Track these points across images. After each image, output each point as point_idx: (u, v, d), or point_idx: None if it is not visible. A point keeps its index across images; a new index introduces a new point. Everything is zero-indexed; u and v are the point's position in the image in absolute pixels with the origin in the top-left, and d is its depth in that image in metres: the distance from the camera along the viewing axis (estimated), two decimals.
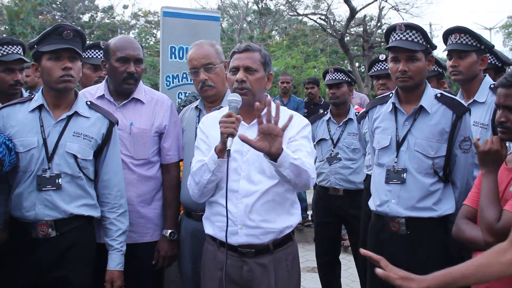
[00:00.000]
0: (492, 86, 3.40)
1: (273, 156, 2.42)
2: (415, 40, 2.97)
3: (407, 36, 2.99)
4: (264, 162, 2.58)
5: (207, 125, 2.82)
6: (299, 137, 2.70)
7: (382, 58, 4.37)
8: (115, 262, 2.91)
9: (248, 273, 2.65)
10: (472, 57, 3.38)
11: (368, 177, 4.29)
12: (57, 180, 2.75)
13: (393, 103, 3.10)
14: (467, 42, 3.39)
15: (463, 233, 2.52)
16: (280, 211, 2.68)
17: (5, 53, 3.48)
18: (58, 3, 27.28)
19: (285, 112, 2.80)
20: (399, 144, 3.03)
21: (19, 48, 3.53)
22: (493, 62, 3.86)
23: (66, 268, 2.75)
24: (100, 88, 3.24)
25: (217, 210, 2.68)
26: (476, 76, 3.43)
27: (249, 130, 2.66)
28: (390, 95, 3.17)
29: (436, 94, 3.04)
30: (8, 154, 2.65)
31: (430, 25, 26.95)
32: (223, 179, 2.60)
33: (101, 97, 3.18)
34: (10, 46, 3.51)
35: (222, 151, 2.53)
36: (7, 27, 16.32)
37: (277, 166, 2.45)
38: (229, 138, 2.45)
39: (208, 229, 2.75)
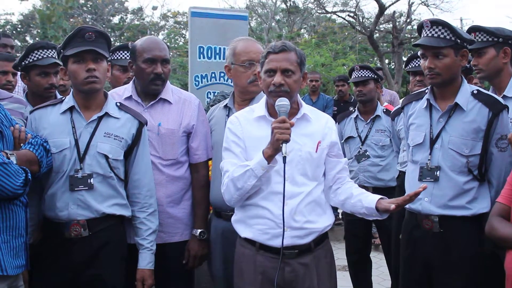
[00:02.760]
0: None
1: None
2: (442, 36, 2.91)
3: (433, 32, 2.93)
4: (307, 164, 2.63)
5: (239, 126, 2.75)
6: (340, 151, 2.84)
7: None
8: (146, 261, 2.93)
9: (291, 274, 2.63)
10: (490, 53, 3.30)
11: (401, 174, 4.25)
12: (89, 180, 2.79)
13: (428, 100, 3.05)
14: (482, 39, 3.33)
15: (496, 231, 2.49)
16: (320, 211, 2.70)
17: (40, 57, 3.53)
18: (88, 6, 27.73)
19: (318, 115, 2.83)
20: (433, 142, 2.99)
21: (54, 52, 3.58)
22: None
23: (99, 267, 2.79)
24: (127, 89, 3.26)
25: (257, 212, 2.65)
26: (501, 71, 3.33)
27: None
28: (426, 91, 3.12)
29: (473, 91, 2.97)
30: (45, 156, 2.70)
31: (461, 20, 26.52)
32: (266, 182, 2.61)
33: (129, 98, 3.21)
34: (45, 50, 3.56)
35: (272, 157, 2.51)
36: (39, 31, 16.66)
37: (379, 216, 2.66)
38: (283, 144, 2.45)
39: (245, 233, 2.70)
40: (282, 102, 2.55)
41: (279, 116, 2.53)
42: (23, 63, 3.57)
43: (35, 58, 3.53)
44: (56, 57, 3.60)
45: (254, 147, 2.63)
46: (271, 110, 2.71)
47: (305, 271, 2.64)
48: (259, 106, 2.79)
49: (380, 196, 2.64)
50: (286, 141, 2.45)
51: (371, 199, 2.64)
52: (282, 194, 2.57)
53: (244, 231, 2.71)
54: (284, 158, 2.44)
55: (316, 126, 2.74)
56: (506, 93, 3.23)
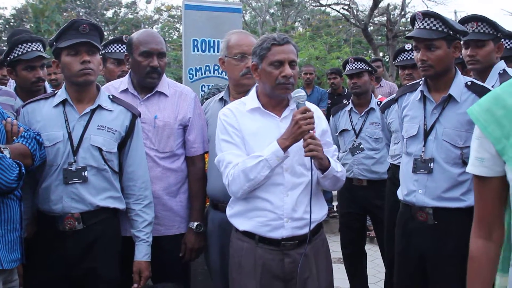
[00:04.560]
0: (501, 72, 3.37)
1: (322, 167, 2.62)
2: (434, 28, 2.91)
3: (425, 24, 2.93)
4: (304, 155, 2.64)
5: (234, 118, 2.73)
6: (330, 139, 2.84)
7: (408, 47, 4.32)
8: (142, 253, 2.94)
9: (290, 264, 2.64)
10: (490, 46, 3.32)
11: (391, 167, 4.27)
12: (83, 173, 2.78)
13: (422, 91, 3.06)
14: (484, 31, 3.33)
15: None
16: (317, 202, 2.72)
17: (24, 51, 3.49)
18: (82, 0, 27.58)
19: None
20: (426, 133, 2.99)
21: (38, 45, 3.54)
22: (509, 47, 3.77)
23: (94, 260, 2.79)
24: (123, 82, 3.26)
25: (257, 205, 2.65)
26: (492, 66, 3.37)
27: (282, 123, 2.67)
28: (420, 82, 3.12)
29: (467, 82, 2.97)
30: (38, 149, 2.69)
31: (455, 13, 26.52)
32: None
33: (125, 91, 3.20)
34: (30, 44, 3.51)
35: (288, 147, 2.54)
36: (32, 25, 16.56)
37: (322, 177, 2.65)
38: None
39: (243, 225, 2.69)
40: (300, 94, 2.60)
41: (298, 107, 2.56)
42: (8, 58, 3.53)
43: (20, 53, 3.49)
44: (42, 50, 3.57)
45: (251, 139, 2.64)
46: (264, 101, 2.72)
47: (304, 261, 2.65)
48: (250, 99, 2.78)
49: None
50: (311, 130, 2.51)
51: None
52: (283, 185, 2.60)
53: (242, 224, 2.70)
54: None
55: None
56: (485, 84, 3.25)
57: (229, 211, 2.78)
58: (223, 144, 2.71)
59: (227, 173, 2.64)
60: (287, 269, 2.64)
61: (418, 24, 2.96)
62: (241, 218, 2.71)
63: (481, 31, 3.33)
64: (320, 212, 2.74)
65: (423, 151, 2.99)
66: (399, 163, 3.68)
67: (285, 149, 2.53)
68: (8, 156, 2.44)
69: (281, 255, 2.64)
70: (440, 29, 2.90)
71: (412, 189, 3.01)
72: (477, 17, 3.35)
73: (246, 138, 2.68)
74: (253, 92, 2.80)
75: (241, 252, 2.71)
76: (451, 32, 2.91)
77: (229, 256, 2.81)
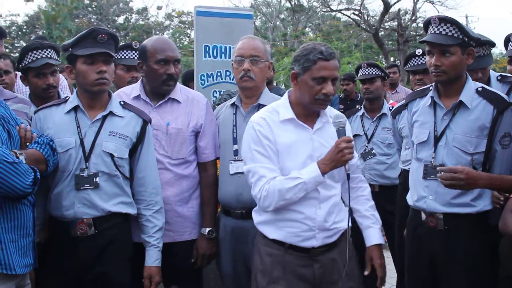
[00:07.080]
0: (498, 77, 3.52)
1: None
2: (449, 33, 2.88)
3: (441, 29, 2.91)
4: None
5: (269, 129, 2.68)
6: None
7: (419, 53, 4.30)
8: (153, 258, 2.95)
9: (320, 269, 2.67)
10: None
11: (403, 172, 4.25)
12: (95, 179, 2.81)
13: (432, 97, 3.04)
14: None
15: (510, 227, 2.48)
16: (342, 210, 2.76)
17: (34, 58, 3.49)
18: (93, 6, 27.80)
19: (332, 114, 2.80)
20: (437, 139, 2.97)
21: (49, 52, 3.54)
22: None
23: (105, 265, 2.81)
24: (135, 89, 3.27)
25: (288, 216, 2.65)
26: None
27: (315, 135, 2.69)
28: (430, 88, 3.10)
29: (477, 88, 2.95)
30: (52, 154, 2.72)
31: (466, 17, 26.46)
32: None
33: (137, 97, 3.21)
34: (39, 51, 3.51)
35: (327, 172, 2.58)
36: (45, 32, 16.71)
37: None
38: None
39: (273, 234, 2.69)
40: (341, 119, 2.62)
41: (339, 133, 2.59)
42: (20, 65, 3.54)
43: (30, 60, 3.49)
44: (54, 56, 3.56)
45: (284, 152, 2.65)
46: (297, 111, 2.70)
47: (333, 265, 2.69)
48: (283, 107, 2.74)
49: (375, 243, 2.91)
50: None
51: (367, 236, 2.94)
52: (315, 199, 2.63)
53: (272, 233, 2.70)
54: (348, 175, 2.60)
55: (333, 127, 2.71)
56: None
57: (256, 217, 2.78)
58: (256, 155, 2.65)
59: (260, 187, 2.61)
60: (317, 273, 2.67)
61: (434, 29, 2.93)
62: (271, 227, 2.71)
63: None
64: (346, 219, 2.75)
65: (433, 157, 2.97)
66: None
67: (324, 174, 2.56)
68: (23, 161, 2.46)
69: (310, 261, 2.67)
70: (456, 35, 2.88)
71: (422, 195, 3.00)
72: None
73: (280, 150, 2.66)
74: (285, 99, 2.76)
75: (269, 258, 2.71)
76: (466, 39, 2.88)
77: (253, 262, 2.81)
